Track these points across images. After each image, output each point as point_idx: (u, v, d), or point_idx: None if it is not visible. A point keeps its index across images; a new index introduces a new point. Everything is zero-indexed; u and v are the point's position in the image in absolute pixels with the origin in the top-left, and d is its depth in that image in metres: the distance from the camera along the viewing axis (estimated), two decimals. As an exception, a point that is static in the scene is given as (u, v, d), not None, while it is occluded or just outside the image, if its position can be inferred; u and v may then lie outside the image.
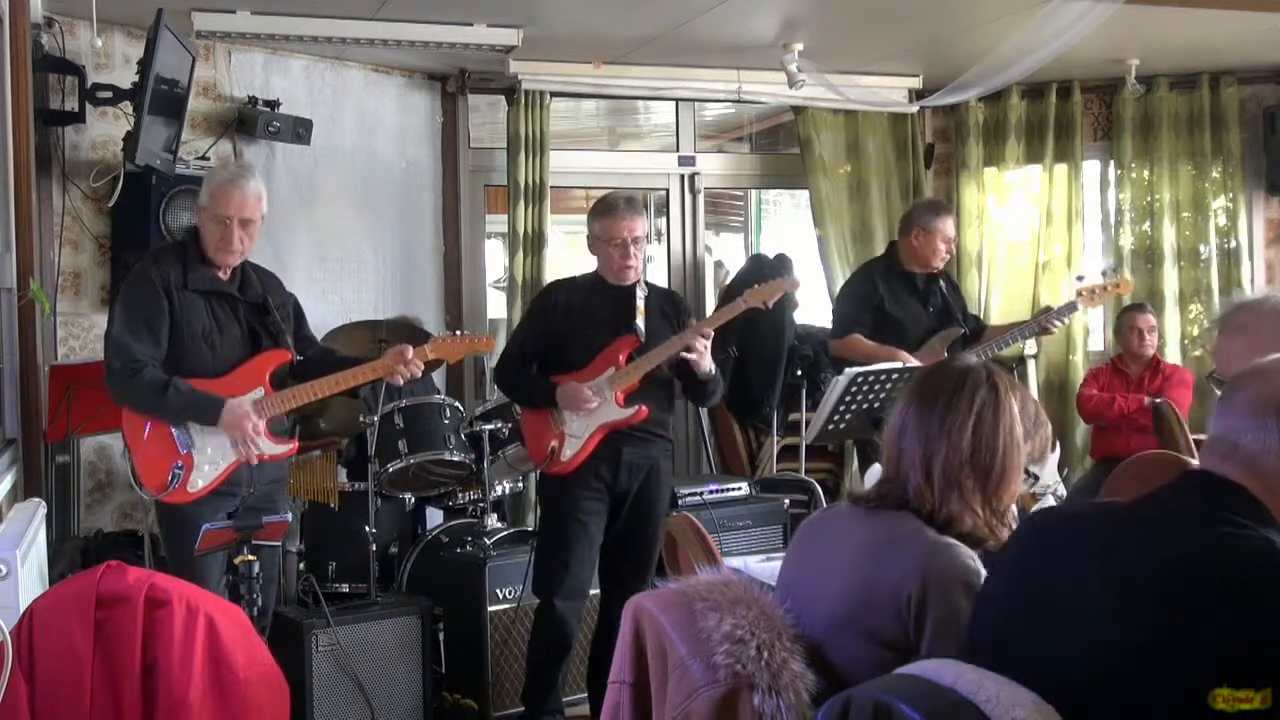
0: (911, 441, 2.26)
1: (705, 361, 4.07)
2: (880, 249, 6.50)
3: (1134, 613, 1.69)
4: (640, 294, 4.17)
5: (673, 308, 4.30)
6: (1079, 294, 5.28)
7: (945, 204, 5.38)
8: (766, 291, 4.22)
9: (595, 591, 4.30)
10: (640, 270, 4.20)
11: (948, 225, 5.20)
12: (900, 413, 2.31)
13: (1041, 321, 5.21)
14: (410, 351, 3.80)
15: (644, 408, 4.06)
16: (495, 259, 7.00)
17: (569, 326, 4.16)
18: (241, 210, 3.65)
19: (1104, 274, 5.58)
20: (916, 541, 2.17)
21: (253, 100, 5.47)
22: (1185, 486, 1.81)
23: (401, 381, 3.84)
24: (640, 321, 4.12)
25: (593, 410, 4.04)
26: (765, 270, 6.10)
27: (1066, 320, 5.41)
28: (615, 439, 4.09)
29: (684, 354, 4.04)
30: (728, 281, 6.91)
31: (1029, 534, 1.97)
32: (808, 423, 5.23)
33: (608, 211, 4.16)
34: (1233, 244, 6.62)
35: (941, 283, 5.31)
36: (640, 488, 4.16)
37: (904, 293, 5.25)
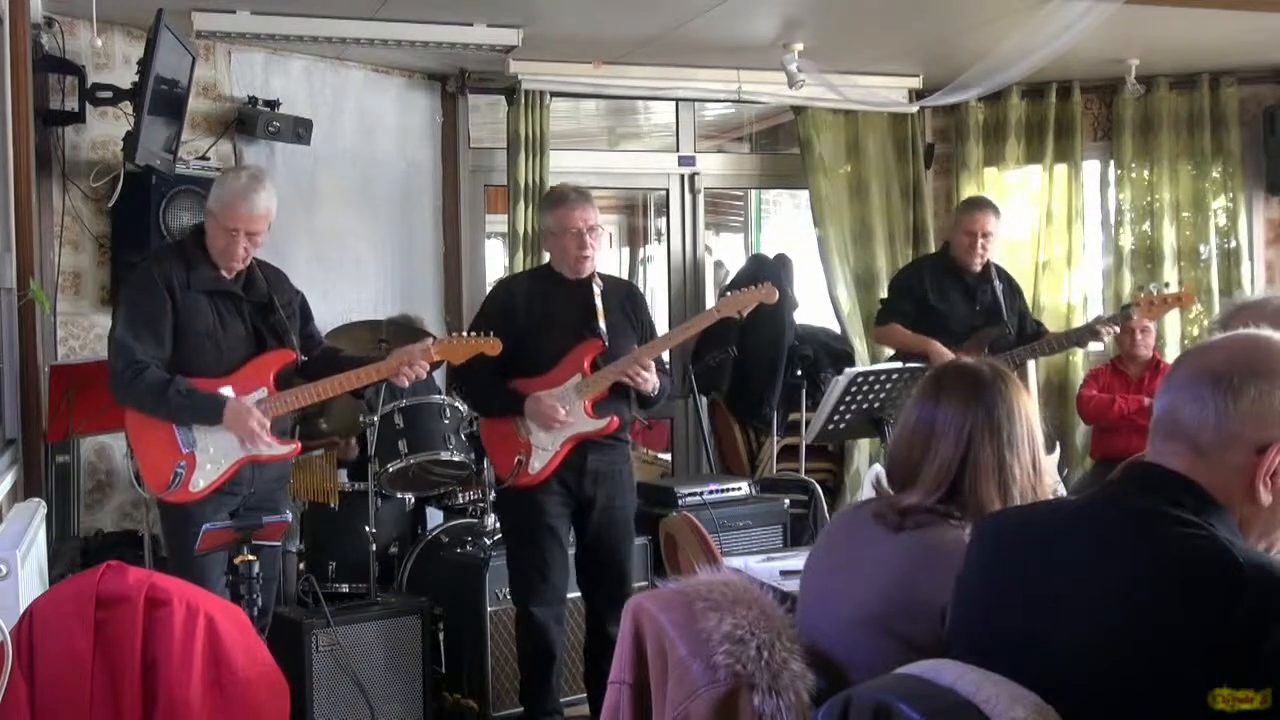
0: (950, 445, 2.23)
1: (650, 383, 3.98)
2: (881, 249, 6.55)
3: (1094, 620, 1.66)
4: (597, 289, 4.04)
5: (630, 301, 4.20)
6: (1136, 303, 5.23)
7: (981, 200, 5.40)
8: (740, 301, 4.12)
9: (577, 595, 4.27)
10: (595, 261, 4.08)
11: (973, 219, 5.25)
12: (930, 418, 2.27)
13: (1094, 328, 5.23)
14: (416, 353, 3.79)
15: (615, 418, 4.00)
16: (495, 259, 7.00)
17: (530, 328, 4.04)
18: (249, 225, 3.66)
19: (1167, 285, 5.61)
20: (960, 556, 2.14)
21: (253, 100, 5.47)
22: (1136, 484, 1.78)
23: (406, 382, 3.84)
24: (602, 322, 4.02)
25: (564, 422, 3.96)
26: (765, 270, 6.11)
27: (1117, 329, 5.38)
28: (580, 446, 4.01)
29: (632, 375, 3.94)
30: (728, 281, 6.91)
31: (984, 540, 1.93)
32: (808, 423, 5.24)
33: (560, 202, 4.04)
34: (1233, 244, 6.61)
35: (997, 283, 5.31)
36: (606, 497, 4.09)
37: (951, 288, 5.31)
